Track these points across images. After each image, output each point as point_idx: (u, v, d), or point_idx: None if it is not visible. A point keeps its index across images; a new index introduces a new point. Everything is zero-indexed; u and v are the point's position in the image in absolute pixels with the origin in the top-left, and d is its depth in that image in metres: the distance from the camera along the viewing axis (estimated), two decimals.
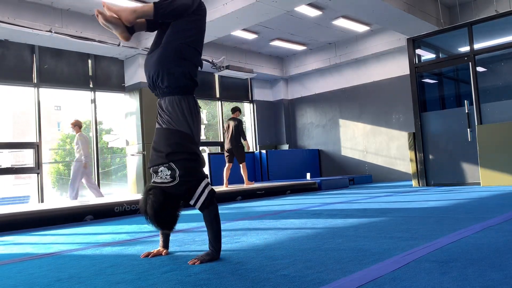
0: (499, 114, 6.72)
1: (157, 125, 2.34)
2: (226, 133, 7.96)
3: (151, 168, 2.26)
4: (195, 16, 2.32)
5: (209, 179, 2.23)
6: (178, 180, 2.15)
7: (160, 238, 2.48)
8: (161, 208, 2.11)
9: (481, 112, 6.86)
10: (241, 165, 7.97)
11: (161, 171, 2.19)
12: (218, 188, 6.99)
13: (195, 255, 2.31)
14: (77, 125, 7.69)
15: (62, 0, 7.51)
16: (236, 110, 8.15)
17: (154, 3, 2.25)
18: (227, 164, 7.96)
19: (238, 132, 7.83)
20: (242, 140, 7.91)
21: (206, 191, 2.19)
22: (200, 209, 2.20)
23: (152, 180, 2.22)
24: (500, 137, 6.48)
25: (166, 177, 2.17)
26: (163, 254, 2.42)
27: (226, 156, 7.97)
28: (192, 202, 2.20)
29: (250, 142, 12.49)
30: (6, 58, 7.93)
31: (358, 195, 6.32)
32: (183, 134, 2.23)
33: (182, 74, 2.27)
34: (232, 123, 7.88)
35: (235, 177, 9.84)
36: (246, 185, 7.90)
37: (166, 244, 2.47)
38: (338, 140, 11.66)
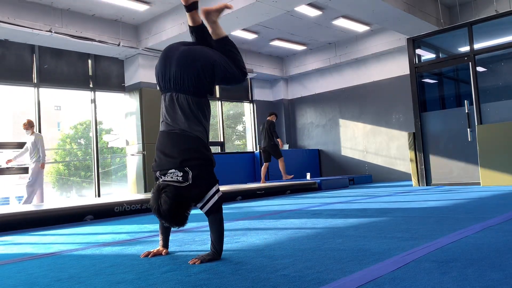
0: (499, 114, 6.72)
1: (165, 127, 2.26)
2: (262, 134, 8.83)
3: (158, 172, 2.20)
4: (240, 69, 2.40)
5: (219, 191, 2.24)
6: (190, 182, 2.11)
7: (160, 238, 2.48)
8: (176, 204, 2.04)
9: (481, 112, 6.86)
10: (278, 160, 8.69)
11: (171, 172, 2.14)
12: (223, 188, 7.00)
13: (195, 255, 2.31)
14: (32, 126, 7.26)
15: (62, 0, 7.52)
16: (272, 114, 9.11)
17: (227, 36, 2.41)
18: (264, 163, 8.81)
19: (271, 132, 8.68)
20: (275, 138, 8.79)
21: (216, 196, 2.18)
22: (206, 213, 2.18)
23: (162, 179, 2.16)
24: (500, 137, 6.48)
25: (177, 178, 2.12)
26: (163, 253, 2.42)
27: (263, 155, 8.83)
28: (199, 205, 2.19)
29: (250, 142, 12.52)
30: (6, 58, 7.93)
31: (358, 195, 6.32)
32: (197, 140, 2.21)
33: (208, 84, 2.28)
34: (266, 125, 8.76)
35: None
36: (284, 178, 8.72)
37: (166, 244, 2.47)
38: (338, 140, 11.66)
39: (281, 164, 8.71)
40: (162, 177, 2.17)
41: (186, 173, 2.12)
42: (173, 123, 2.23)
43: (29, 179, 7.07)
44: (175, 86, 2.25)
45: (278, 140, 8.87)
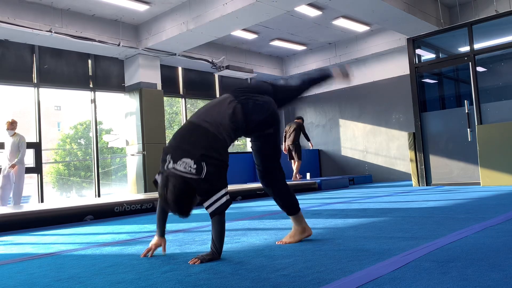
0: (499, 114, 6.72)
1: (199, 120, 2.27)
2: (287, 134, 9.26)
3: (171, 155, 2.18)
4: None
5: (227, 195, 2.17)
6: (203, 177, 2.12)
7: (157, 227, 2.45)
8: (182, 194, 2.08)
9: (481, 112, 6.86)
10: (297, 161, 9.23)
11: (183, 162, 2.13)
12: None
13: (195, 255, 2.31)
14: (16, 126, 7.03)
15: (62, 0, 7.51)
16: (300, 117, 9.66)
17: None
18: (291, 161, 9.34)
19: (298, 134, 9.20)
20: (307, 141, 9.48)
21: (224, 199, 2.18)
22: (211, 213, 2.18)
23: (172, 166, 2.15)
24: (500, 137, 6.48)
25: (190, 169, 2.11)
26: (162, 245, 2.41)
27: (288, 154, 9.29)
28: (206, 205, 2.18)
29: (250, 142, 12.52)
30: (6, 58, 7.93)
31: (358, 195, 6.32)
32: (223, 143, 2.24)
33: (252, 125, 2.40)
34: (294, 126, 9.24)
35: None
36: (293, 178, 9.14)
37: (162, 233, 2.44)
38: (338, 140, 11.66)
39: (297, 165, 9.23)
40: (172, 162, 2.16)
41: (201, 167, 2.12)
42: (209, 120, 2.26)
43: (13, 183, 6.82)
44: (244, 103, 2.35)
45: (310, 143, 9.56)
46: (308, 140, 9.47)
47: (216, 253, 2.18)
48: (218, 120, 2.25)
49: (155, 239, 2.45)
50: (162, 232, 2.44)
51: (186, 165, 2.13)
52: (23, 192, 7.08)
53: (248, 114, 2.33)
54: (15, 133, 7.00)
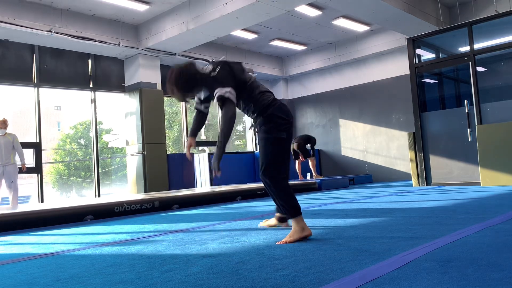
0: (499, 114, 6.72)
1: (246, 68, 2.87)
2: (298, 136, 9.55)
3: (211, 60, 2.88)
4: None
5: (231, 92, 2.64)
6: (213, 74, 2.65)
7: (190, 128, 3.09)
8: (186, 74, 2.67)
9: (481, 112, 6.86)
10: (309, 160, 9.46)
11: (206, 64, 2.79)
12: (223, 188, 6.99)
13: (195, 254, 2.31)
14: (7, 125, 6.97)
15: (62, 0, 7.52)
16: (313, 138, 9.83)
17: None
18: (296, 161, 9.59)
19: (306, 141, 9.38)
20: (309, 155, 9.41)
21: (216, 95, 2.61)
22: (217, 99, 2.62)
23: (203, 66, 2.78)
24: (500, 137, 6.48)
25: (206, 68, 2.74)
26: (192, 143, 3.00)
27: (293, 154, 9.43)
28: (214, 97, 2.67)
29: (250, 142, 12.53)
30: (6, 58, 7.93)
31: (358, 195, 6.32)
32: (241, 84, 2.73)
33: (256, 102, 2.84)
34: (304, 137, 9.46)
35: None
36: (315, 177, 9.42)
37: (195, 133, 3.08)
38: (338, 140, 11.66)
39: (312, 163, 9.51)
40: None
41: (215, 69, 2.67)
42: (251, 79, 2.80)
43: (12, 182, 6.79)
44: (277, 100, 2.82)
45: (310, 158, 9.41)
46: (310, 155, 9.36)
47: (220, 145, 2.54)
48: (256, 84, 2.77)
49: (187, 141, 2.97)
50: (192, 132, 3.02)
51: (205, 66, 2.78)
52: (20, 192, 7.08)
53: (273, 104, 2.72)
54: (6, 132, 6.93)
